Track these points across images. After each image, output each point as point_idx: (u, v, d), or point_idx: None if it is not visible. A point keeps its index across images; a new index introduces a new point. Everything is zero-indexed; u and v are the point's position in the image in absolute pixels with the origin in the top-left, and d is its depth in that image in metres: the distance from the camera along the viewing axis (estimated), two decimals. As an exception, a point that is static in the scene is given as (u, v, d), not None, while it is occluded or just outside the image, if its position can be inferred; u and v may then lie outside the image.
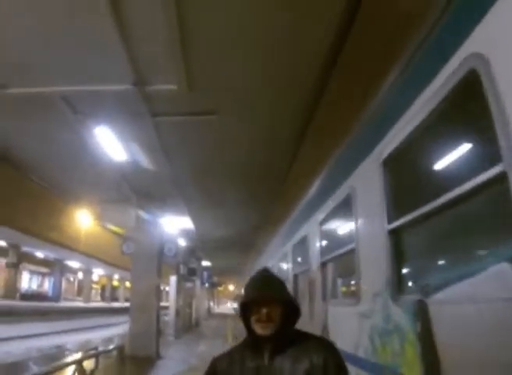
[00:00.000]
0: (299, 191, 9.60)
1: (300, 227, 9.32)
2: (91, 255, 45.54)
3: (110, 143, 10.85)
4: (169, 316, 25.81)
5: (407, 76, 3.95)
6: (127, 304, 19.49)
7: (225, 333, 28.55)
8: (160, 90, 8.51)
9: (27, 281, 63.52)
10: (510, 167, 2.41)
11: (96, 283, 78.78)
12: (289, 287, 10.64)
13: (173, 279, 26.26)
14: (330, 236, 7.44)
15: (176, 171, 13.51)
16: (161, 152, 11.79)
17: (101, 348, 7.58)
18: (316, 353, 2.45)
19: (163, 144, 11.31)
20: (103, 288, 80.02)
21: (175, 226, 20.79)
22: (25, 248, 45.97)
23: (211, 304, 79.44)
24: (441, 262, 3.77)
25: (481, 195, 2.86)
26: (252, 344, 2.60)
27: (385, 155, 4.29)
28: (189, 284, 31.42)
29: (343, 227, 6.72)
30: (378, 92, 4.72)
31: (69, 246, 39.19)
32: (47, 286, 65.45)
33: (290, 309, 2.60)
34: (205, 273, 42.49)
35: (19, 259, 47.51)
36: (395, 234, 4.08)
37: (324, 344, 2.60)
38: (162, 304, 35.12)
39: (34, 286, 65.97)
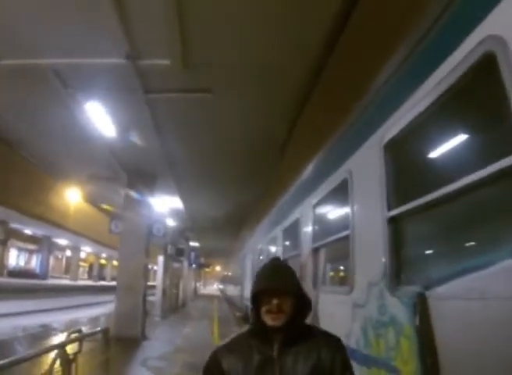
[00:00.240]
0: (293, 172, 9.38)
1: (292, 210, 9.12)
2: (80, 233, 45.23)
3: (101, 119, 10.64)
4: (156, 296, 25.69)
5: (415, 58, 3.73)
6: (114, 283, 19.39)
7: (211, 315, 28.54)
8: (153, 65, 8.31)
9: (15, 258, 63.27)
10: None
11: (84, 261, 78.64)
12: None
13: (161, 259, 26.11)
14: (324, 221, 7.25)
15: (167, 150, 13.32)
16: (153, 130, 11.59)
17: (85, 331, 7.43)
18: (325, 350, 2.41)
19: (155, 121, 11.11)
20: (90, 267, 79.89)
21: (164, 205, 20.60)
22: (13, 225, 45.66)
23: (198, 285, 79.71)
24: (444, 254, 3.56)
25: (493, 186, 2.70)
26: (261, 334, 2.50)
27: (387, 138, 4.08)
28: (176, 265, 31.29)
29: (337, 212, 6.54)
30: (382, 72, 4.49)
31: (58, 223, 38.88)
32: (34, 263, 65.22)
33: (301, 301, 2.52)
34: (193, 254, 42.42)
35: (7, 236, 47.18)
36: (394, 222, 3.90)
37: (333, 342, 2.52)
38: (149, 283, 35.22)
39: (22, 263, 65.73)
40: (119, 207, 18.32)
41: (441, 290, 3.04)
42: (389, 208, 3.94)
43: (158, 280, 26.42)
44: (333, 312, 5.72)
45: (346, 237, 5.21)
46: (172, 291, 29.12)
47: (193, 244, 41.51)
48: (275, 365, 2.38)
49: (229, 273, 52.20)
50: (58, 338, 9.42)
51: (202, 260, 65.01)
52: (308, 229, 7.53)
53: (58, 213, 36.05)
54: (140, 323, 15.64)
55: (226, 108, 10.42)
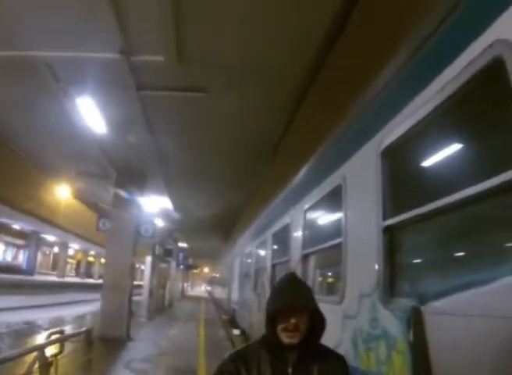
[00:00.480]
0: (286, 175, 9.24)
1: (283, 214, 8.97)
2: (69, 229, 45.09)
3: (92, 114, 10.42)
4: (143, 297, 25.47)
5: (417, 62, 3.60)
6: (101, 281, 19.23)
7: (197, 317, 28.36)
8: (147, 61, 8.17)
9: (1, 253, 62.80)
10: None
11: (72, 258, 78.24)
12: (266, 277, 10.39)
13: (149, 259, 25.90)
14: (315, 227, 7.10)
15: (158, 148, 13.15)
16: (145, 128, 11.41)
17: (69, 330, 7.30)
18: (337, 369, 2.49)
19: (147, 119, 10.93)
20: (78, 264, 79.45)
21: (154, 205, 20.41)
22: (0, 219, 45.30)
23: (186, 286, 79.49)
24: (441, 268, 3.39)
25: (497, 198, 2.58)
26: (275, 350, 2.47)
27: (384, 145, 3.94)
28: (164, 265, 31.08)
29: (330, 219, 6.39)
30: (382, 75, 4.34)
31: (47, 219, 38.75)
32: (21, 258, 64.76)
33: (316, 318, 2.50)
34: (181, 255, 42.21)
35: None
36: (390, 232, 3.76)
37: (342, 362, 2.57)
38: (136, 283, 34.96)
39: (9, 258, 65.23)
40: (107, 205, 18.09)
41: (437, 304, 2.92)
42: (385, 218, 3.80)
43: (145, 280, 26.20)
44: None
45: (338, 245, 5.07)
46: (159, 291, 28.89)
47: (181, 244, 41.35)
48: None
49: (217, 275, 52.08)
50: (41, 337, 9.25)
51: (190, 261, 64.83)
52: (299, 234, 7.39)
53: (47, 209, 35.89)
54: (125, 324, 15.42)
55: (220, 108, 10.27)
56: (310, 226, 7.10)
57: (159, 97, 9.75)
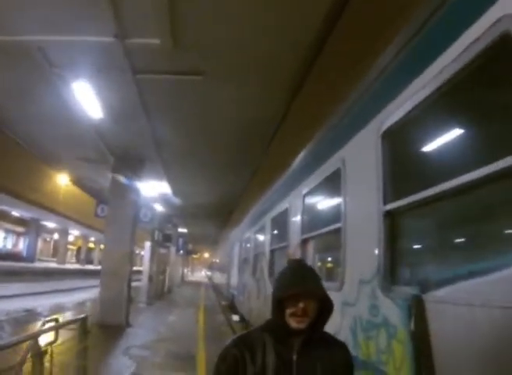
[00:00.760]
0: (285, 159, 9.13)
1: (281, 199, 8.86)
2: (69, 216, 45.14)
3: (88, 99, 10.28)
4: (142, 282, 25.45)
5: (419, 40, 3.44)
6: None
7: (197, 302, 28.37)
8: (143, 44, 7.98)
9: (1, 240, 62.87)
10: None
11: (72, 244, 78.40)
12: (265, 262, 10.31)
13: (148, 245, 25.84)
14: (314, 211, 6.98)
15: (155, 133, 12.98)
16: (142, 112, 11.23)
17: (70, 317, 7.24)
18: (340, 357, 2.48)
19: (144, 103, 10.76)
20: (78, 250, 79.63)
21: (152, 190, 20.27)
22: (0, 207, 45.32)
23: (186, 271, 79.70)
24: (444, 255, 3.28)
25: (503, 181, 2.44)
26: (281, 335, 2.45)
27: (385, 126, 3.80)
28: (163, 250, 31.02)
29: (329, 204, 6.27)
30: (382, 56, 4.17)
31: (47, 206, 38.83)
32: (21, 246, 64.84)
33: (324, 304, 2.46)
34: (181, 240, 42.20)
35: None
36: (391, 217, 3.64)
37: (346, 349, 2.58)
38: (136, 268, 34.95)
39: (9, 245, 65.30)
40: (106, 191, 17.97)
41: (439, 293, 2.81)
42: (385, 202, 3.68)
43: (144, 266, 26.15)
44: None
45: (338, 230, 4.96)
46: (159, 277, 28.86)
47: (181, 230, 41.29)
48: (293, 368, 2.37)
49: (217, 260, 52.17)
50: (39, 324, 9.19)
51: (190, 246, 64.90)
52: (297, 219, 7.28)
53: (47, 196, 35.94)
54: (124, 310, 15.37)
55: (217, 93, 10.10)
56: (309, 210, 6.98)
57: (156, 80, 9.56)
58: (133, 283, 17.79)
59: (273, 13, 7.00)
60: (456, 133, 3.13)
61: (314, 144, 6.83)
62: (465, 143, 3.03)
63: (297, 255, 6.88)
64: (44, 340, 5.95)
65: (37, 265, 52.12)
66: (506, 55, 2.37)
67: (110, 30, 7.57)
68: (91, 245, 76.85)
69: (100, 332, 13.57)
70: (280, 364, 2.38)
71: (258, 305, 11.46)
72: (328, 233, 5.68)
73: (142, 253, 39.47)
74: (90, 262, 72.67)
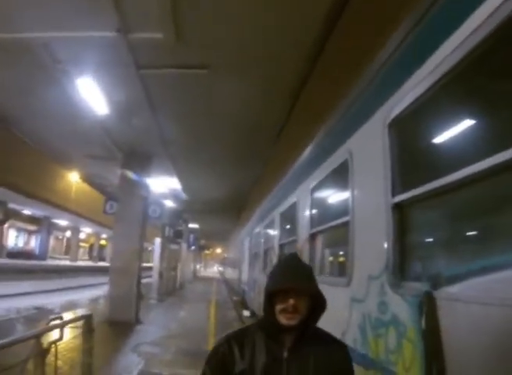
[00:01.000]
0: (292, 153, 9.01)
1: (290, 193, 8.72)
2: (80, 214, 45.35)
3: (93, 95, 10.26)
4: (153, 279, 25.42)
5: (425, 25, 3.25)
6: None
7: (209, 298, 28.30)
8: (146, 39, 7.92)
9: (14, 239, 63.24)
10: None
11: (85, 241, 78.78)
12: (275, 257, 10.20)
13: (158, 241, 25.80)
14: (322, 205, 6.82)
15: (162, 128, 12.90)
16: (147, 107, 11.16)
17: (71, 317, 7.17)
18: (335, 357, 2.41)
19: (149, 98, 10.69)
20: (91, 247, 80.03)
21: (161, 186, 20.20)
22: (13, 205, 45.57)
23: (198, 267, 79.88)
24: (457, 249, 3.08)
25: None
26: (272, 332, 2.43)
27: (392, 115, 3.62)
28: (174, 246, 30.97)
29: (337, 197, 6.10)
30: (387, 43, 3.98)
31: (59, 204, 39.08)
32: (34, 244, 65.21)
33: (316, 301, 2.43)
34: (192, 236, 42.17)
35: (6, 216, 47.00)
36: (400, 209, 3.46)
37: (343, 350, 2.52)
38: (147, 264, 34.98)
39: (21, 243, 65.70)
40: (115, 187, 17.91)
41: (452, 290, 2.64)
42: (394, 194, 3.50)
43: (154, 262, 26.12)
44: (329, 306, 5.31)
45: (346, 224, 4.78)
46: (170, 273, 28.83)
47: (192, 226, 41.24)
48: (283, 367, 2.32)
49: (229, 256, 52.21)
50: (35, 329, 9.12)
51: (202, 242, 64.99)
52: (306, 213, 7.13)
53: (59, 194, 36.22)
54: (134, 307, 15.31)
55: (222, 86, 9.98)
56: (317, 204, 6.83)
57: (160, 75, 9.47)
58: (145, 280, 17.73)
59: (280, 3, 6.91)
60: (467, 119, 2.94)
61: (320, 136, 6.66)
62: (478, 129, 2.83)
63: (306, 250, 6.77)
64: (53, 337, 5.91)
65: (49, 262, 52.35)
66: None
67: (112, 24, 7.52)
68: (103, 242, 77.10)
69: (109, 329, 13.57)
70: (271, 361, 2.34)
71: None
72: (336, 228, 5.52)
73: (153, 248, 39.62)
74: (103, 259, 72.92)
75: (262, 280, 13.01)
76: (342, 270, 5.55)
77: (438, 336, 2.66)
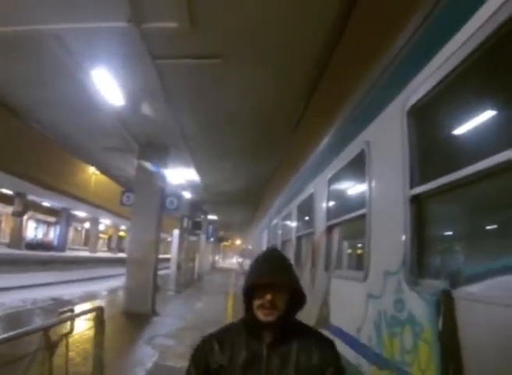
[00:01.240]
0: (309, 143, 8.85)
1: (306, 185, 8.54)
2: (99, 205, 45.75)
3: (109, 87, 10.27)
4: (170, 270, 25.44)
5: (446, 5, 3.05)
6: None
7: (227, 289, 28.22)
8: (159, 28, 7.84)
9: (33, 230, 63.88)
10: None
11: (104, 233, 79.39)
12: (292, 250, 10.06)
13: (176, 232, 25.82)
14: (339, 197, 6.62)
15: (178, 119, 12.82)
16: (163, 98, 11.09)
17: (100, 304, 7.20)
18: (316, 354, 2.31)
19: (164, 88, 10.60)
20: (110, 238, 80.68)
21: (179, 177, 20.15)
22: (32, 197, 46.09)
23: (217, 258, 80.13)
24: (480, 246, 2.88)
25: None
26: (252, 329, 2.40)
27: (411, 102, 3.41)
28: (193, 238, 30.98)
29: (353, 188, 5.91)
30: (407, 26, 3.77)
31: (78, 196, 39.49)
32: (52, 235, 65.86)
33: (296, 296, 2.41)
34: (210, 227, 42.11)
35: (25, 208, 47.53)
36: (418, 202, 3.26)
37: (327, 347, 2.41)
38: (166, 256, 35.08)
39: (40, 235, 66.37)
40: (132, 179, 17.90)
41: (472, 289, 2.46)
42: (412, 185, 3.30)
43: (172, 253, 26.14)
44: (345, 301, 5.15)
45: (362, 217, 4.59)
46: (188, 264, 28.84)
47: (211, 217, 41.21)
48: (262, 363, 2.30)
49: (249, 247, 52.23)
50: (43, 322, 9.12)
51: (221, 234, 65.07)
52: (323, 205, 6.94)
53: (78, 186, 36.69)
54: (151, 299, 15.32)
55: (238, 76, 9.85)
56: (334, 196, 6.63)
57: (175, 65, 9.39)
58: (163, 271, 17.66)
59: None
60: (491, 106, 2.72)
61: (337, 125, 6.47)
62: (505, 116, 2.61)
63: (322, 243, 6.61)
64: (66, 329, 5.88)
65: (68, 254, 52.82)
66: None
67: (124, 14, 7.46)
68: (122, 234, 77.69)
69: (126, 321, 13.59)
70: (250, 358, 2.31)
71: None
72: (352, 220, 5.33)
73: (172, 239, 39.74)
74: (122, 250, 73.53)
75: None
76: (358, 265, 5.37)
77: (455, 338, 2.48)
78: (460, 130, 3.07)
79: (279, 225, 14.09)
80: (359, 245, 5.51)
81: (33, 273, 29.93)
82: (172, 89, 10.67)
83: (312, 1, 6.98)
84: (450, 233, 3.31)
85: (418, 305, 3.03)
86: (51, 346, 5.13)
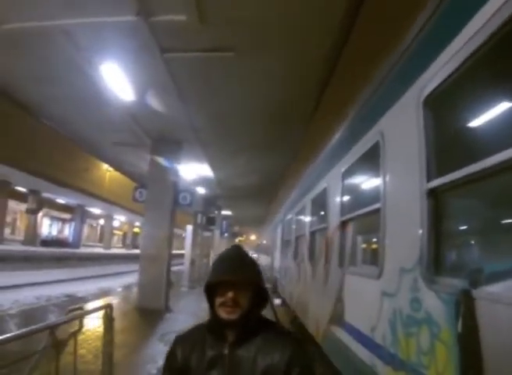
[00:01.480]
0: (323, 137, 8.75)
1: (320, 179, 8.41)
2: (114, 202, 45.93)
3: (118, 81, 10.18)
4: (184, 266, 25.40)
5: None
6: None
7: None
8: (168, 21, 7.74)
9: (48, 227, 64.28)
10: None
11: (119, 229, 79.77)
12: (305, 245, 9.97)
13: (189, 228, 25.76)
14: (353, 191, 6.49)
15: (190, 114, 12.69)
16: (174, 92, 10.96)
17: (111, 301, 7.17)
18: (281, 350, 2.24)
19: (175, 83, 10.47)
20: (124, 235, 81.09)
21: (193, 173, 20.06)
22: (46, 195, 46.33)
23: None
24: (501, 242, 2.73)
25: None
26: (215, 328, 2.34)
27: (427, 91, 3.25)
28: (207, 234, 30.91)
29: (368, 182, 5.78)
30: (424, 10, 3.60)
31: (93, 192, 39.68)
32: (67, 232, 66.27)
33: (259, 293, 2.37)
34: (225, 223, 42.00)
35: (40, 205, 47.80)
36: (436, 195, 3.11)
37: (291, 342, 2.32)
38: (179, 251, 35.06)
39: (55, 232, 66.80)
40: (145, 175, 17.83)
41: (493, 289, 2.32)
42: (429, 179, 3.15)
43: (186, 249, 26.08)
44: (359, 298, 4.99)
45: (377, 211, 4.44)
46: (202, 260, 28.80)
47: (225, 212, 41.10)
48: (225, 363, 2.25)
49: (264, 242, 52.19)
50: (50, 320, 9.11)
51: (236, 229, 65.02)
52: (336, 200, 6.81)
53: (92, 183, 36.83)
54: (164, 295, 15.26)
55: (250, 70, 9.70)
56: (348, 190, 6.49)
57: (186, 59, 9.25)
58: (176, 267, 17.52)
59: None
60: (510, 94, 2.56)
61: (351, 117, 6.31)
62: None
63: (336, 238, 6.48)
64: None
65: (82, 250, 53.10)
66: None
67: (132, 8, 7.37)
68: (137, 230, 78.01)
69: (139, 317, 13.52)
70: (214, 358, 2.26)
71: (298, 290, 11.10)
72: (367, 215, 5.19)
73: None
74: (136, 246, 73.81)
75: (293, 268, 12.79)
76: (373, 262, 5.22)
77: (476, 341, 2.34)
78: (480, 120, 2.91)
79: (293, 220, 14.00)
80: (373, 241, 5.37)
81: (47, 270, 30.03)
82: (183, 83, 10.55)
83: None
84: (470, 228, 3.16)
85: (436, 305, 2.88)
86: (58, 344, 5.03)
